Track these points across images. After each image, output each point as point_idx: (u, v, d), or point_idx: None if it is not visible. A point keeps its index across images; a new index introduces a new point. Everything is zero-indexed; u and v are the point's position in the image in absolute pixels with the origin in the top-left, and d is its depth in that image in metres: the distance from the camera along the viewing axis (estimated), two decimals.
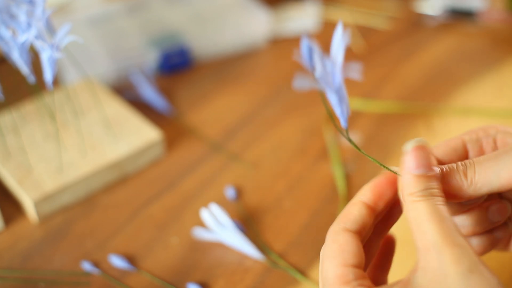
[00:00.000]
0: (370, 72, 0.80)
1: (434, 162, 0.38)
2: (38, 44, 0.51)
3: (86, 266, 0.55)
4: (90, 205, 0.62)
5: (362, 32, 0.87)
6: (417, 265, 0.35)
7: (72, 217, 0.60)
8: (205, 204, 0.61)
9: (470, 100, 0.74)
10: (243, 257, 0.56)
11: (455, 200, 0.39)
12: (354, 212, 0.39)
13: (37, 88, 0.59)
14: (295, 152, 0.68)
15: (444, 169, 0.39)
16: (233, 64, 0.81)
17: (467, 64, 0.82)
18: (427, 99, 0.76)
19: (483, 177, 0.38)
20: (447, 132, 0.70)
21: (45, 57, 0.51)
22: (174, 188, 0.64)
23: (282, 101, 0.75)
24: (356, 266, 0.37)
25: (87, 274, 0.55)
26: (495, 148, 0.43)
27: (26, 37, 0.51)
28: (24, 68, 0.54)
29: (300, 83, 0.35)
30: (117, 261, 0.55)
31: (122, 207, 0.62)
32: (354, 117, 0.72)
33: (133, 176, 0.65)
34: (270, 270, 0.55)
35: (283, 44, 0.85)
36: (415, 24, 0.90)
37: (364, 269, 0.42)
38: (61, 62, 0.73)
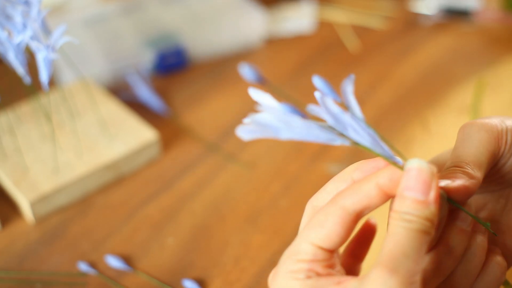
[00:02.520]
0: (366, 72, 0.80)
1: (433, 186, 0.35)
2: (34, 45, 0.51)
3: (83, 266, 0.55)
4: (86, 206, 0.62)
5: (358, 32, 0.88)
6: (362, 276, 0.34)
7: (68, 217, 0.60)
8: (202, 205, 0.62)
9: (465, 100, 0.75)
10: (240, 257, 0.56)
11: (473, 191, 0.38)
12: (364, 190, 0.36)
13: (33, 89, 0.59)
14: (291, 152, 0.68)
15: (447, 175, 0.38)
16: (229, 64, 0.81)
17: (462, 64, 0.82)
18: (422, 98, 0.76)
19: (472, 159, 0.39)
20: (442, 132, 0.70)
21: (41, 58, 0.51)
22: (170, 189, 0.64)
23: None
24: (324, 248, 0.36)
25: (83, 274, 0.55)
26: None
27: (22, 38, 0.51)
28: (19, 69, 0.54)
29: (246, 133, 0.34)
30: (113, 262, 0.55)
31: (118, 207, 0.62)
32: None
33: (129, 177, 0.65)
34: (267, 270, 0.55)
35: (278, 44, 0.85)
36: (411, 24, 0.90)
37: (361, 252, 0.42)
38: (56, 63, 0.73)
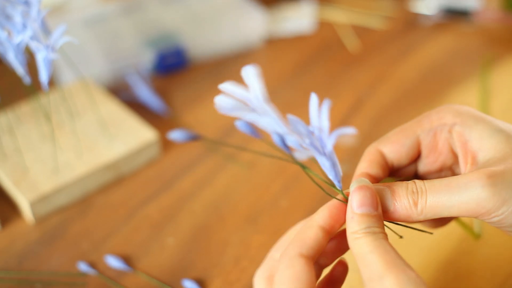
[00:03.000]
0: (366, 72, 0.80)
1: (378, 201, 0.38)
2: (34, 45, 0.51)
3: (82, 266, 0.55)
4: (86, 206, 0.62)
5: (358, 32, 0.88)
6: None
7: (68, 217, 0.60)
8: (201, 205, 0.62)
9: (465, 100, 0.74)
10: (239, 257, 0.56)
11: (402, 221, 0.40)
12: (311, 236, 0.38)
13: (32, 89, 0.59)
14: None
15: (395, 192, 0.39)
16: (229, 64, 0.81)
17: (462, 64, 0.82)
18: (422, 98, 0.76)
19: (434, 208, 0.38)
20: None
21: (41, 58, 0.51)
22: (170, 189, 0.64)
23: (278, 101, 0.75)
24: None
25: (83, 274, 0.55)
26: (448, 144, 0.42)
27: (22, 38, 0.51)
28: (19, 69, 0.54)
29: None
30: (113, 262, 0.55)
31: (118, 207, 0.62)
32: (349, 116, 0.72)
33: (129, 177, 0.65)
34: None
35: (278, 44, 0.85)
36: (411, 24, 0.90)
37: None
38: (56, 63, 0.73)
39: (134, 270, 0.55)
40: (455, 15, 0.88)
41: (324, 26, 0.89)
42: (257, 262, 0.56)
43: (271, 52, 0.84)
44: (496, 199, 0.36)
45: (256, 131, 0.37)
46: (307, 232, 0.38)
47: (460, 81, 0.78)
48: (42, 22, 0.54)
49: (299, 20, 0.88)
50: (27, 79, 0.55)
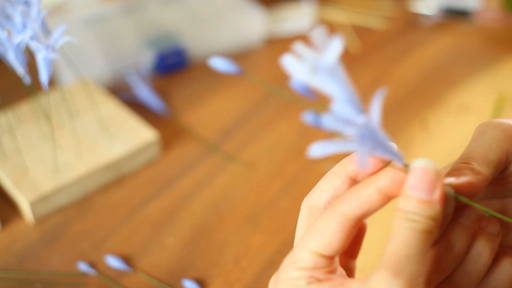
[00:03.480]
0: (366, 72, 0.80)
1: (434, 186, 0.35)
2: (34, 45, 0.51)
3: (82, 266, 0.55)
4: (86, 206, 0.62)
5: (358, 32, 0.88)
6: (364, 277, 0.34)
7: (68, 217, 0.60)
8: (201, 205, 0.62)
9: (465, 100, 0.74)
10: (239, 257, 0.56)
11: (480, 188, 0.38)
12: (364, 196, 0.36)
13: (32, 89, 0.59)
14: (291, 152, 0.68)
15: (453, 173, 0.38)
16: None
17: (462, 64, 0.82)
18: (422, 98, 0.76)
19: (482, 156, 0.37)
20: (442, 132, 0.70)
21: (41, 58, 0.51)
22: (170, 189, 0.64)
23: (278, 101, 0.75)
24: (324, 255, 0.36)
25: (83, 274, 0.55)
26: None
27: (22, 38, 0.51)
28: (19, 69, 0.54)
29: (320, 151, 0.34)
30: (113, 262, 0.55)
31: (118, 207, 0.62)
32: None
33: (129, 177, 0.65)
34: (266, 270, 0.55)
35: (278, 44, 0.85)
36: (411, 24, 0.90)
37: (353, 251, 0.41)
38: (56, 63, 0.73)
39: (134, 270, 0.55)
40: (455, 15, 0.88)
41: (324, 26, 0.89)
42: (257, 262, 0.56)
43: (271, 52, 0.84)
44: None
45: (310, 91, 0.35)
46: (362, 190, 0.36)
47: (460, 81, 0.78)
48: (42, 22, 0.53)
49: (299, 20, 0.88)
50: (27, 79, 0.55)
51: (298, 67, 0.34)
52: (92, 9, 0.83)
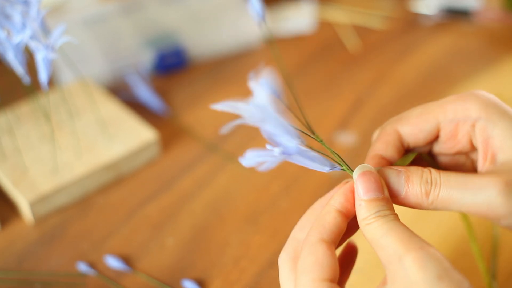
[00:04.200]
0: (366, 72, 0.80)
1: (382, 184, 0.38)
2: (33, 45, 0.51)
3: (82, 267, 0.55)
4: (85, 206, 0.62)
5: (358, 31, 0.87)
6: (385, 280, 0.35)
7: (67, 218, 0.60)
8: (201, 205, 0.61)
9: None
10: (239, 257, 0.56)
11: (411, 207, 0.39)
12: (330, 221, 0.38)
13: (32, 89, 0.59)
14: None
15: (409, 178, 0.39)
16: (228, 64, 0.81)
17: (463, 64, 0.82)
18: (423, 98, 0.75)
19: (445, 202, 0.38)
20: None
21: (40, 57, 0.51)
22: (170, 189, 0.63)
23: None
24: (332, 280, 0.36)
25: (83, 275, 0.55)
26: (469, 136, 0.41)
27: (21, 37, 0.51)
28: (19, 68, 0.54)
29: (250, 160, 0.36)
30: (113, 262, 0.55)
31: (118, 207, 0.61)
32: (349, 116, 0.72)
33: (129, 177, 0.65)
34: (266, 270, 0.55)
35: (278, 44, 0.85)
36: (411, 23, 0.90)
37: (345, 274, 0.42)
38: (56, 62, 0.73)
39: (133, 270, 0.55)
40: (455, 15, 0.88)
41: (324, 26, 0.89)
42: (257, 262, 0.55)
43: (271, 52, 0.84)
44: (509, 206, 0.36)
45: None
46: (326, 217, 0.38)
47: (460, 81, 0.78)
48: (42, 22, 0.53)
49: (299, 20, 0.88)
50: (26, 79, 0.55)
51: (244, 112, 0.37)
52: (92, 9, 0.83)
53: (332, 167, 0.39)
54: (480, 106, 0.40)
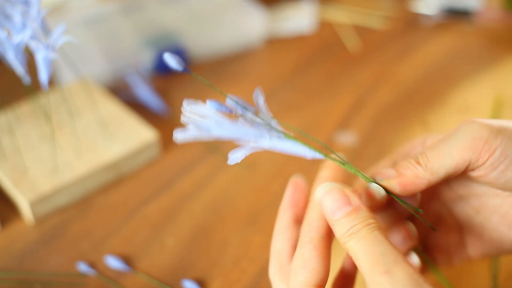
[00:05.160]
0: (366, 72, 0.80)
1: (347, 195, 0.38)
2: (33, 45, 0.51)
3: (82, 267, 0.55)
4: (86, 206, 0.62)
5: (359, 31, 0.87)
6: None
7: (68, 218, 0.60)
8: (201, 205, 0.61)
9: (466, 100, 0.74)
10: (240, 257, 0.56)
11: (415, 190, 0.39)
12: (315, 217, 0.39)
13: (32, 88, 0.59)
14: None
15: (398, 165, 0.39)
16: (229, 64, 0.81)
17: (463, 64, 0.82)
18: (423, 98, 0.76)
19: (437, 160, 0.38)
20: (443, 131, 0.70)
21: (40, 57, 0.51)
22: (170, 189, 0.63)
23: (278, 101, 0.75)
24: (317, 284, 0.37)
25: (83, 275, 0.55)
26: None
27: (21, 37, 0.51)
28: (19, 68, 0.54)
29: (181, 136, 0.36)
30: (113, 262, 0.55)
31: (118, 207, 0.61)
32: (349, 116, 0.72)
33: (129, 177, 0.65)
34: (266, 270, 0.55)
35: (279, 44, 0.85)
36: (412, 23, 0.90)
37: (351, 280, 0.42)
38: (56, 62, 0.73)
39: (134, 270, 0.55)
40: (456, 15, 0.88)
41: (324, 26, 0.89)
42: (257, 262, 0.56)
43: (271, 51, 0.84)
44: (490, 128, 0.37)
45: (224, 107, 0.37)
46: (310, 213, 0.39)
47: (460, 81, 0.78)
48: (42, 22, 0.53)
49: (299, 20, 0.88)
50: (26, 79, 0.55)
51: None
52: (92, 9, 0.83)
53: (314, 154, 0.39)
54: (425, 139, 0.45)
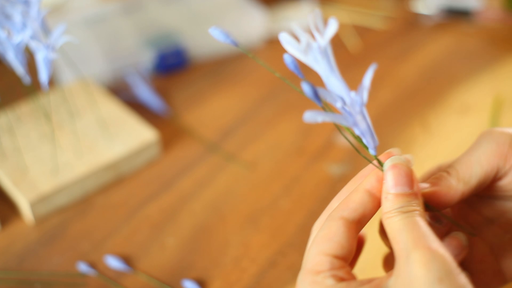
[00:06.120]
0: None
1: (414, 178, 0.37)
2: (34, 45, 0.51)
3: (82, 267, 0.55)
4: (86, 206, 0.62)
5: (359, 31, 0.87)
6: (391, 273, 0.35)
7: (68, 218, 0.60)
8: (202, 205, 0.61)
9: (466, 100, 0.74)
10: (240, 257, 0.56)
11: (451, 202, 0.39)
12: (355, 199, 0.38)
13: (32, 88, 0.59)
14: (291, 152, 0.68)
15: (431, 180, 0.39)
16: (229, 64, 0.81)
17: (463, 64, 0.82)
18: (423, 98, 0.76)
19: (467, 170, 0.39)
20: (443, 132, 0.70)
21: (41, 57, 0.51)
22: (170, 189, 0.63)
23: (278, 101, 0.75)
24: (338, 256, 0.36)
25: (83, 275, 0.55)
26: None
27: (22, 37, 0.51)
28: (19, 68, 0.54)
29: (311, 116, 0.36)
30: (113, 262, 0.55)
31: (118, 207, 0.61)
32: None
33: (129, 177, 0.65)
34: (267, 270, 0.55)
35: (279, 44, 0.85)
36: (412, 23, 0.90)
37: (352, 260, 0.42)
38: (56, 62, 0.73)
39: (134, 270, 0.55)
40: (456, 15, 0.88)
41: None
42: (257, 262, 0.55)
43: (271, 52, 0.84)
44: (511, 134, 0.39)
45: (299, 70, 0.38)
46: (352, 196, 0.38)
47: (461, 81, 0.78)
48: (42, 22, 0.53)
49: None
50: (27, 79, 0.55)
51: (293, 45, 0.37)
52: (92, 9, 0.83)
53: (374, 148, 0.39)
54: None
